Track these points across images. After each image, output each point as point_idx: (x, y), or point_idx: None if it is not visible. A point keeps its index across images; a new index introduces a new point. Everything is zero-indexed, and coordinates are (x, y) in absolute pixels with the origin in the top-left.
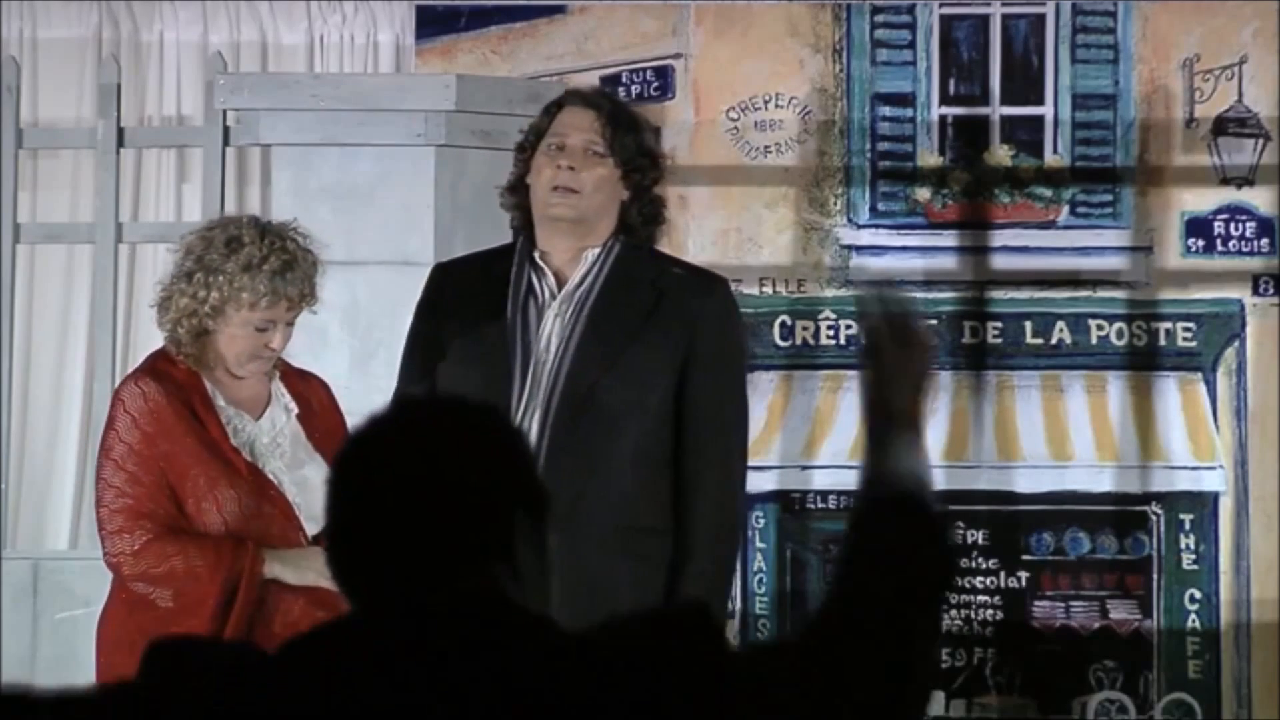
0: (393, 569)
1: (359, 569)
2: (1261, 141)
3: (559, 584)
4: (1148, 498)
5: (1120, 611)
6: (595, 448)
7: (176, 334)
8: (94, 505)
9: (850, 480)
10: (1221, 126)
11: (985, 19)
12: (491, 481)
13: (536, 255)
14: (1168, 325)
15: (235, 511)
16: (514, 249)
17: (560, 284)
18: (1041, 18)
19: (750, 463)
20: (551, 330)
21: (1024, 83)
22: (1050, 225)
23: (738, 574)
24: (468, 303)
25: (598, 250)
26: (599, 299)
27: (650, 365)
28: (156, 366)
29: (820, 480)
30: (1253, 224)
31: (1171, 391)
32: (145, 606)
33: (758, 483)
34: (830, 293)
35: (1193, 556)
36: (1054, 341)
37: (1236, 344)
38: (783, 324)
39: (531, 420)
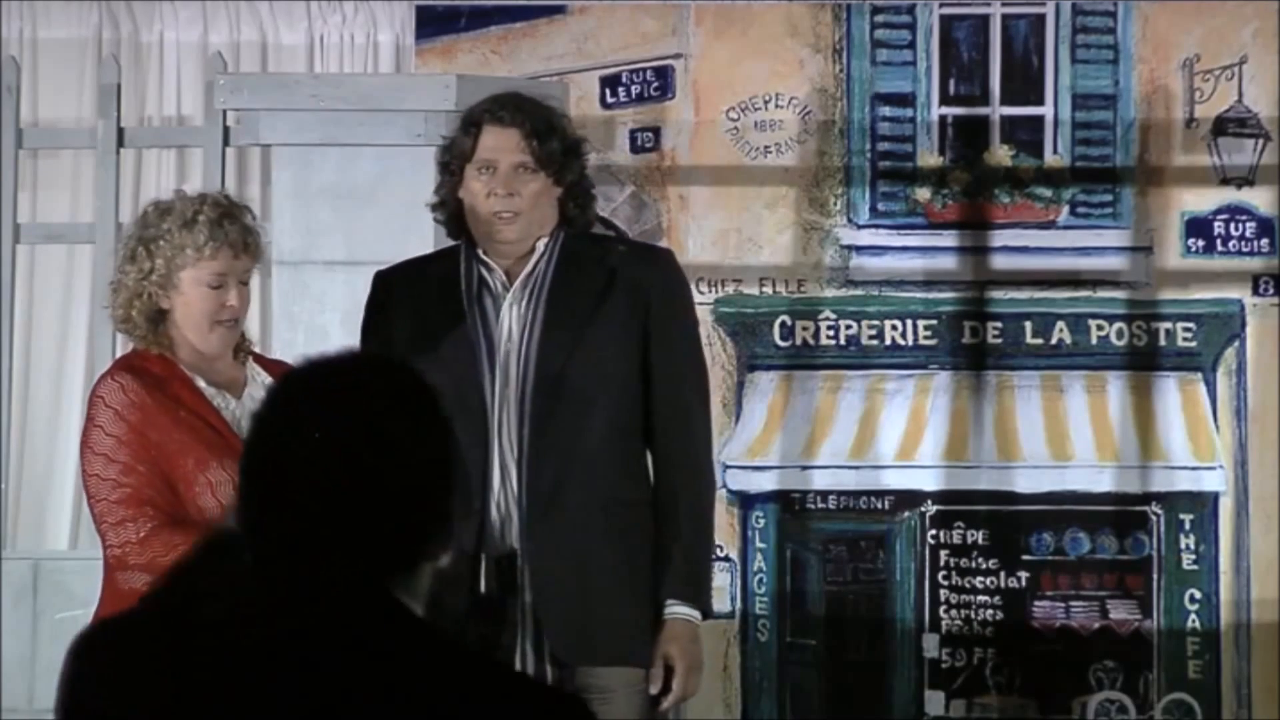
0: (301, 549)
1: (265, 533)
2: (1261, 141)
3: (547, 568)
4: (1148, 498)
5: (1120, 611)
6: (574, 430)
7: (131, 318)
8: (89, 504)
9: (850, 480)
10: (1221, 126)
11: (985, 19)
12: (434, 458)
13: (481, 253)
14: (1168, 325)
15: (230, 493)
16: (455, 251)
17: (510, 277)
18: (1041, 18)
19: (750, 463)
20: (511, 321)
21: (1024, 83)
22: (1050, 225)
23: (738, 574)
24: (418, 304)
25: (546, 240)
26: (553, 285)
27: (612, 341)
28: (131, 362)
29: (820, 480)
30: (1253, 224)
31: (1171, 391)
32: None
33: (758, 483)
34: (830, 293)
35: (1193, 556)
36: (1054, 341)
37: (1236, 344)
38: (783, 324)
39: (509, 412)
